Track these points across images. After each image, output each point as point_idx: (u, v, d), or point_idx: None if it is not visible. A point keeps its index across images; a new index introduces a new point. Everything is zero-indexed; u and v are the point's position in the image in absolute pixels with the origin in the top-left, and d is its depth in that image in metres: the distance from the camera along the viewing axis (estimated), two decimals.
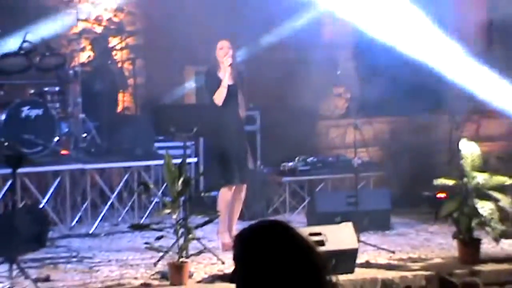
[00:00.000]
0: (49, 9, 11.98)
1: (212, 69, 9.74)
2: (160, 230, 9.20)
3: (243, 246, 3.12)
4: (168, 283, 8.42)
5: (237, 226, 9.90)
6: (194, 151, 11.33)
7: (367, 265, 8.95)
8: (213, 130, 9.79)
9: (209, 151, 10.72)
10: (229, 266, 8.78)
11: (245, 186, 9.86)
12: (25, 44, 11.11)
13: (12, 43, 11.21)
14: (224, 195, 9.73)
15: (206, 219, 9.21)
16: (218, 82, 9.62)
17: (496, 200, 9.08)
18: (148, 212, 10.93)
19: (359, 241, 8.95)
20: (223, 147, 9.72)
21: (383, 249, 9.52)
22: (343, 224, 8.86)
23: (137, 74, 12.28)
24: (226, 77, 9.60)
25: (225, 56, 9.62)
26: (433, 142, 11.93)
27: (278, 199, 11.71)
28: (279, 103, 12.17)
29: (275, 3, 11.51)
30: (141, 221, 10.73)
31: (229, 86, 9.61)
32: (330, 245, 8.42)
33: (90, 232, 10.50)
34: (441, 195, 10.04)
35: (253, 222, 3.16)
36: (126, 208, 11.04)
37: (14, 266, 8.24)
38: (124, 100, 11.94)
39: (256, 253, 3.06)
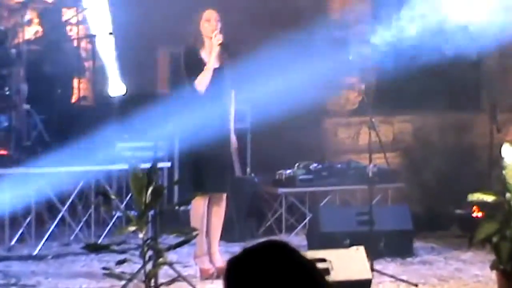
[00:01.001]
0: None
1: (192, 46, 9.64)
2: (123, 252, 9.22)
3: (237, 275, 3.08)
4: None
5: (222, 248, 9.98)
6: (166, 154, 11.33)
7: None
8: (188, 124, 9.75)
9: (184, 152, 10.69)
10: None
11: (224, 196, 9.80)
12: None
13: None
14: (196, 207, 9.70)
15: (181, 239, 9.27)
16: (200, 63, 9.54)
17: None
18: (107, 229, 10.97)
19: (373, 270, 9.06)
20: (200, 146, 9.59)
21: (403, 280, 9.51)
22: (353, 248, 8.93)
23: (96, 55, 12.29)
24: (212, 58, 9.51)
25: (213, 31, 9.51)
26: (468, 147, 12.05)
27: (273, 215, 11.74)
28: (274, 96, 12.11)
29: None
30: (99, 241, 10.76)
31: (216, 70, 9.56)
32: (337, 275, 8.48)
33: (34, 253, 10.51)
34: (477, 214, 10.12)
35: (244, 244, 3.12)
36: (80, 224, 11.07)
37: None
38: (80, 88, 11.94)
39: (254, 284, 3.03)
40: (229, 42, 9.66)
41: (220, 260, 9.43)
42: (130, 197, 10.00)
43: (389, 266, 9.96)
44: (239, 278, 3.08)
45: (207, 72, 9.47)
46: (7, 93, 11.36)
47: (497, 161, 9.44)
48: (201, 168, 9.66)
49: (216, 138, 9.58)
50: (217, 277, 9.35)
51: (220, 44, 9.48)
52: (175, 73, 10.50)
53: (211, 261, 9.57)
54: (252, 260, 3.09)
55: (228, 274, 3.11)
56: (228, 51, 9.66)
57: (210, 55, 9.50)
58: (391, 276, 9.49)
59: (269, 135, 11.22)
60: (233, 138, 9.86)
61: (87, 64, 12.12)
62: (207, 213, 9.76)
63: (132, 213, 9.31)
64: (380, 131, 10.44)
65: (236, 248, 9.68)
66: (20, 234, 10.72)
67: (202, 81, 9.47)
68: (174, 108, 9.85)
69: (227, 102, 9.83)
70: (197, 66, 9.54)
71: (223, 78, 9.67)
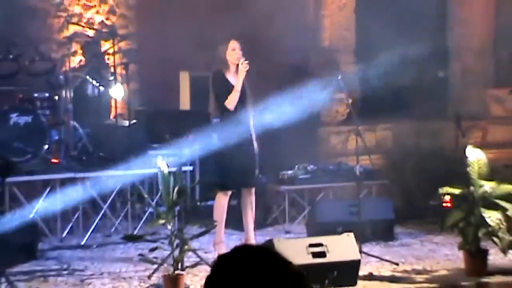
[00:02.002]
0: (38, 12, 12.03)
1: (220, 70, 9.58)
2: (154, 241, 9.23)
3: (212, 284, 2.81)
4: None
5: (236, 236, 10.12)
6: (190, 159, 11.22)
7: (370, 277, 8.98)
8: (213, 135, 9.72)
9: (210, 156, 10.65)
10: None
11: (253, 190, 9.77)
12: (13, 48, 11.13)
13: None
14: (219, 201, 9.65)
15: (202, 229, 9.30)
16: (227, 84, 9.51)
17: (504, 210, 9.08)
18: (141, 222, 10.91)
19: (361, 252, 8.97)
20: (227, 150, 9.56)
21: (386, 260, 9.51)
22: (345, 234, 8.84)
23: (130, 79, 12.24)
24: (240, 82, 9.47)
25: (239, 59, 9.46)
26: (438, 150, 11.98)
27: (277, 208, 11.68)
28: (277, 108, 12.08)
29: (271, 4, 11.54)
30: (135, 232, 10.76)
31: (243, 88, 9.55)
32: (332, 257, 8.51)
33: (82, 243, 10.50)
34: (447, 204, 10.01)
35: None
36: (119, 219, 11.01)
37: (3, 279, 8.23)
38: (116, 107, 11.94)
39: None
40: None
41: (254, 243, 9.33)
42: (160, 195, 9.86)
43: (374, 248, 9.91)
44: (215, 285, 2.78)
45: (235, 94, 9.45)
46: (58, 112, 11.33)
47: (462, 160, 9.38)
48: (228, 168, 9.60)
49: (241, 143, 9.57)
50: None
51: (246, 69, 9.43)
52: (196, 92, 10.47)
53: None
54: (225, 267, 2.78)
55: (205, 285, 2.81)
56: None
57: (238, 79, 9.45)
58: (376, 257, 9.53)
59: (273, 142, 11.11)
60: (255, 143, 9.77)
61: (123, 86, 12.06)
62: (243, 207, 9.74)
63: (162, 209, 9.33)
64: (365, 137, 10.39)
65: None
66: (70, 227, 10.70)
67: (231, 101, 9.47)
68: (196, 121, 9.84)
69: (250, 114, 9.75)
70: (224, 87, 9.51)
71: (246, 96, 9.62)
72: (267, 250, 2.79)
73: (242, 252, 2.80)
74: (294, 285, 2.71)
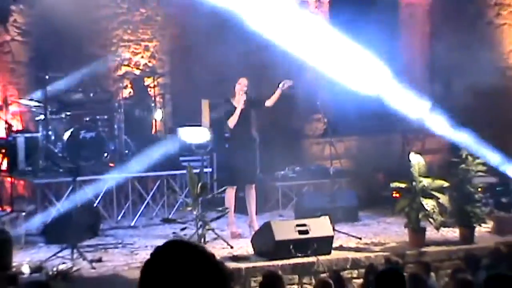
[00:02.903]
0: (100, 56, 11.91)
1: (228, 99, 9.53)
2: (184, 223, 9.45)
3: (147, 274, 2.42)
4: None
5: (242, 218, 9.92)
6: (209, 163, 11.21)
7: (341, 248, 8.96)
8: (225, 146, 9.74)
9: (222, 161, 10.62)
10: (236, 250, 8.86)
11: (253, 186, 9.65)
12: (81, 84, 11.19)
13: (71, 82, 11.24)
14: (229, 194, 9.60)
15: (218, 214, 9.38)
16: (232, 108, 9.42)
17: (437, 198, 9.15)
18: (174, 209, 10.81)
19: (334, 230, 8.91)
20: (234, 157, 9.56)
21: (352, 236, 9.49)
22: (322, 217, 8.89)
23: (166, 105, 12.24)
24: (239, 107, 9.38)
25: (241, 91, 9.41)
26: (389, 155, 11.83)
27: (273, 198, 11.64)
28: (273, 125, 12.03)
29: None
30: (170, 216, 10.66)
31: (242, 110, 9.41)
32: (313, 233, 8.55)
33: (131, 224, 10.45)
34: (396, 195, 9.98)
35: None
36: (158, 206, 10.96)
37: (75, 251, 8.30)
38: (156, 125, 11.89)
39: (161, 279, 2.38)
40: (251, 96, 9.54)
41: (256, 226, 9.31)
42: (188, 190, 9.95)
43: (344, 227, 9.76)
44: (148, 275, 2.41)
45: (235, 116, 9.40)
46: (114, 129, 11.30)
47: (407, 163, 9.43)
48: (235, 169, 9.54)
49: (245, 151, 9.53)
50: (245, 237, 9.32)
51: (244, 101, 9.39)
52: (214, 115, 10.42)
53: (251, 226, 9.48)
54: (158, 258, 2.42)
55: (141, 275, 2.42)
56: (249, 100, 9.49)
57: (238, 105, 9.41)
58: (345, 233, 9.49)
59: (268, 149, 10.99)
60: (257, 151, 9.73)
61: (161, 110, 11.99)
62: (247, 198, 9.64)
63: (189, 200, 9.45)
64: (337, 146, 10.33)
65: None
66: (123, 213, 10.67)
67: (232, 121, 9.42)
68: (214, 136, 9.94)
69: (253, 127, 9.63)
70: (228, 111, 9.48)
71: (249, 114, 9.52)
72: (192, 245, 2.46)
73: (172, 245, 2.45)
74: (214, 272, 2.39)
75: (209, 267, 2.40)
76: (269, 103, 9.56)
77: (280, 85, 9.44)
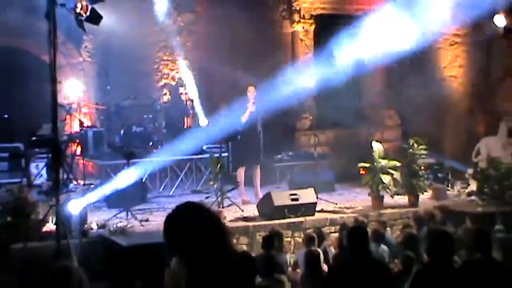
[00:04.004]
0: (147, 72, 11.86)
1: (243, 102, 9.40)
2: (208, 193, 9.38)
3: (171, 223, 2.47)
4: None
5: (250, 188, 9.78)
6: (226, 149, 11.01)
7: (322, 211, 8.89)
8: (238, 137, 9.60)
9: (235, 148, 10.51)
10: (245, 212, 8.79)
11: (258, 166, 9.55)
12: (132, 94, 11.21)
13: (126, 91, 11.15)
14: (240, 172, 9.53)
15: (233, 187, 9.38)
16: (245, 108, 9.32)
17: (392, 175, 9.11)
18: (201, 183, 10.72)
19: (317, 197, 8.84)
20: (244, 145, 9.47)
21: (330, 202, 9.43)
22: (309, 188, 8.84)
23: (195, 107, 12.05)
24: (249, 108, 9.27)
25: (251, 96, 9.28)
26: (358, 143, 11.64)
27: (273, 175, 11.46)
28: (273, 122, 11.87)
29: None
30: (197, 188, 10.61)
31: (251, 112, 9.32)
32: (302, 200, 8.52)
33: (170, 194, 10.36)
34: (362, 172, 9.82)
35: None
36: (189, 181, 10.85)
37: (129, 213, 8.31)
38: (187, 121, 11.80)
39: (182, 226, 2.43)
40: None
41: (260, 195, 9.07)
42: (210, 169, 9.85)
43: (324, 196, 9.58)
44: (173, 224, 2.46)
45: (246, 115, 9.29)
46: (156, 125, 11.35)
47: (370, 148, 9.37)
48: (245, 153, 9.46)
49: (253, 140, 9.42)
50: (252, 203, 9.17)
51: (253, 103, 9.29)
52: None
53: (256, 196, 9.31)
54: (180, 213, 2.47)
55: (166, 224, 2.48)
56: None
57: (249, 108, 9.28)
58: (325, 200, 9.40)
59: (269, 139, 10.46)
60: (261, 139, 9.54)
61: (191, 111, 11.90)
62: (253, 175, 9.52)
63: (211, 176, 9.33)
64: (320, 137, 10.38)
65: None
66: (164, 185, 10.58)
67: (244, 118, 9.30)
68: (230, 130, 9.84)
69: (258, 122, 9.45)
70: (242, 109, 9.34)
71: (256, 114, 9.38)
72: (200, 205, 2.53)
73: (186, 205, 2.51)
74: (215, 223, 2.45)
75: (211, 219, 2.44)
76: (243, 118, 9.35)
77: (251, 104, 9.26)
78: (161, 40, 12.19)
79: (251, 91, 9.32)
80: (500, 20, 10.32)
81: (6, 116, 10.86)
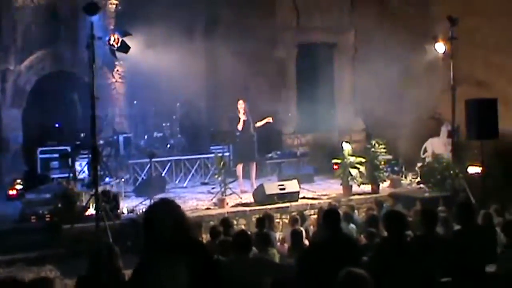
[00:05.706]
0: (165, 91, 11.50)
1: (237, 115, 9.32)
2: (214, 184, 9.27)
3: (148, 218, 2.42)
4: (217, 207, 8.27)
5: (247, 180, 9.68)
6: (228, 150, 10.84)
7: (303, 198, 8.78)
8: (236, 140, 9.51)
9: (235, 149, 10.42)
10: (243, 200, 8.71)
11: (254, 163, 9.45)
12: (153, 104, 11.06)
13: (147, 105, 11.04)
14: (239, 167, 9.45)
15: (233, 179, 9.28)
16: (238, 119, 9.26)
17: (358, 169, 9.08)
18: (208, 176, 10.55)
19: (300, 187, 8.73)
20: (242, 146, 9.38)
21: (310, 190, 9.29)
22: (294, 180, 8.79)
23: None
24: (241, 121, 9.19)
25: (240, 108, 9.20)
26: (331, 143, 11.43)
27: (265, 170, 11.27)
28: (264, 127, 11.60)
29: None
30: (205, 181, 10.44)
31: (244, 120, 9.22)
32: (288, 189, 8.49)
33: (184, 185, 10.22)
34: (335, 166, 9.78)
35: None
36: (199, 175, 10.67)
37: (152, 201, 8.17)
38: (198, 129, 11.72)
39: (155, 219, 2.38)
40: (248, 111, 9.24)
41: (255, 186, 8.87)
42: (215, 166, 9.65)
43: (305, 186, 9.38)
44: (148, 219, 2.40)
45: (240, 124, 9.22)
46: (172, 131, 11.08)
47: (341, 148, 9.33)
48: (242, 152, 9.33)
49: (248, 143, 9.30)
50: (249, 192, 9.05)
51: (244, 114, 9.19)
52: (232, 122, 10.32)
53: (252, 187, 9.16)
54: (153, 210, 2.44)
55: (144, 220, 2.42)
56: (249, 114, 9.23)
57: (240, 118, 9.22)
58: (306, 189, 9.26)
59: (261, 141, 10.26)
60: (255, 141, 9.42)
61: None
62: (249, 170, 9.41)
63: (216, 171, 9.19)
64: (302, 139, 10.34)
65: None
66: (179, 179, 10.47)
67: (239, 126, 9.24)
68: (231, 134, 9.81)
69: (252, 127, 9.32)
70: (237, 121, 9.30)
71: (249, 122, 9.28)
72: (169, 201, 2.48)
73: (160, 201, 2.47)
74: (178, 214, 2.40)
75: (176, 211, 2.40)
76: (258, 124, 9.39)
77: (241, 115, 9.22)
78: None
79: (240, 104, 9.16)
80: (439, 46, 10.12)
81: (57, 125, 10.89)
